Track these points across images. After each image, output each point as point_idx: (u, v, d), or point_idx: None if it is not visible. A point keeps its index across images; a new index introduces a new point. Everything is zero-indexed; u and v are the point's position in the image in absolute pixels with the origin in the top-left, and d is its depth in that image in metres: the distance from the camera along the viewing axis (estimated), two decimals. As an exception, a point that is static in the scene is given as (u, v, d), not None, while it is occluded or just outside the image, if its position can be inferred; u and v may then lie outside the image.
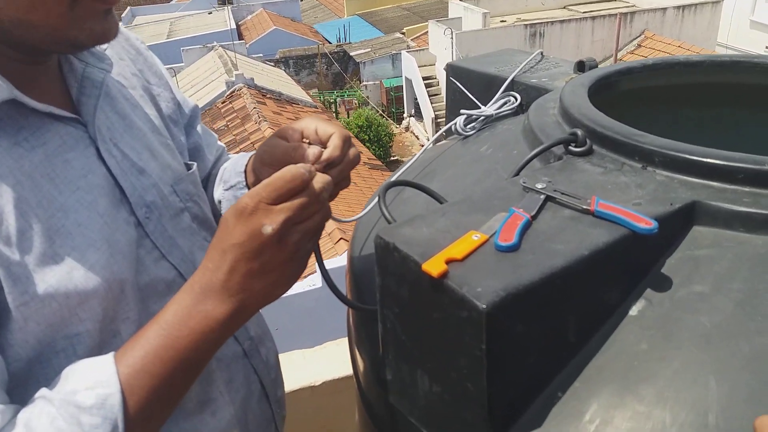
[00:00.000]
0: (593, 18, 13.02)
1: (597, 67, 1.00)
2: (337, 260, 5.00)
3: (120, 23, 0.82)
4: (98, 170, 0.68)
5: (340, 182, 0.72)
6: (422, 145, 1.28)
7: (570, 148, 0.74)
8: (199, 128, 0.94)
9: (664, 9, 13.10)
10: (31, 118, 0.63)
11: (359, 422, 0.85)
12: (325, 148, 0.70)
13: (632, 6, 14.34)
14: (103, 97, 0.71)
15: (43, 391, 0.58)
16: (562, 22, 12.94)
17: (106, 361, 0.59)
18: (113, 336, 0.66)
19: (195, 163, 0.83)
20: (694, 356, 0.53)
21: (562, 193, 0.63)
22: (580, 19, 13.10)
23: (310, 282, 5.65)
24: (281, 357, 1.70)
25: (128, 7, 22.80)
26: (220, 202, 0.89)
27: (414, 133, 15.61)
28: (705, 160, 0.63)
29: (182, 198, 0.77)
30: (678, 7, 13.16)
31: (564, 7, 15.22)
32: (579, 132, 0.74)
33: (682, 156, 0.65)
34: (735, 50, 13.83)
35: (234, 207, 0.60)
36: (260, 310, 0.84)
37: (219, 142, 0.99)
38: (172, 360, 0.59)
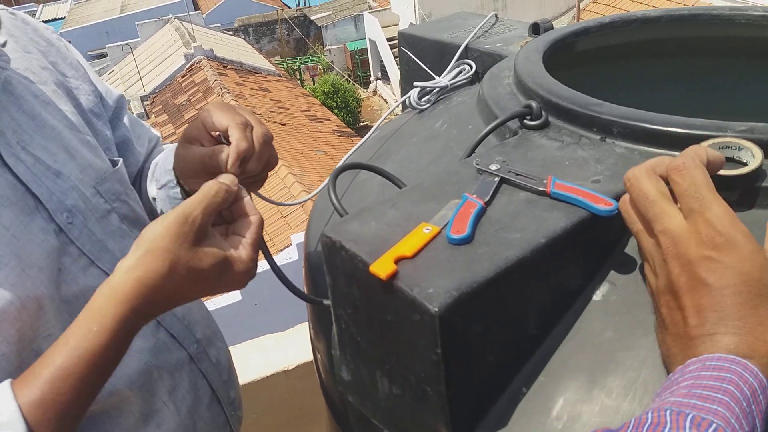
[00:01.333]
0: (555, -33, 12.84)
1: (552, 28, 0.96)
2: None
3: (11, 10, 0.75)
4: (1, 178, 0.61)
5: (267, 163, 0.69)
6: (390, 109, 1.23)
7: (525, 121, 0.70)
8: (126, 120, 0.86)
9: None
10: None
11: (327, 420, 0.82)
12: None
13: (593, -47, 14.17)
14: (4, 96, 0.65)
15: None
16: (524, -27, 12.75)
17: (5, 397, 0.53)
18: (35, 356, 0.60)
19: (121, 160, 0.77)
20: (661, 342, 0.50)
21: (517, 174, 0.59)
22: (543, -31, 12.92)
23: (286, 255, 5.61)
24: (253, 342, 1.68)
25: (77, -18, 21.82)
26: (155, 199, 0.83)
27: (382, 97, 15.42)
28: (666, 129, 0.60)
29: (107, 198, 0.72)
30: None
31: (525, -42, 14.98)
32: (534, 104, 0.70)
33: (642, 126, 0.61)
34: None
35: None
36: (211, 311, 0.80)
37: (153, 131, 0.92)
38: (81, 381, 0.54)
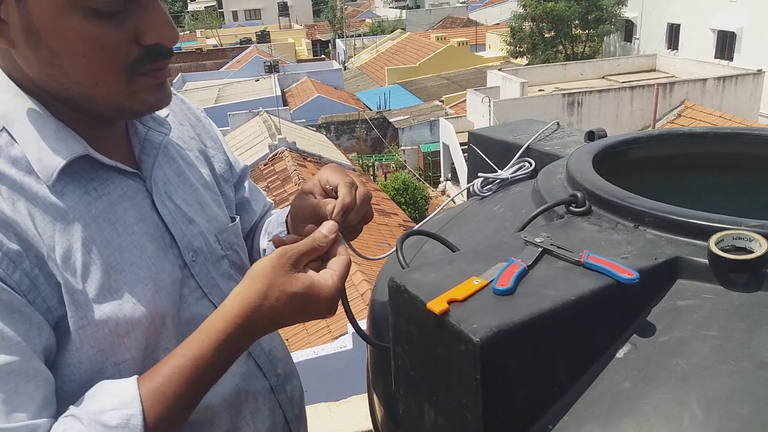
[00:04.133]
0: (632, 88, 13.16)
1: (606, 136, 1.09)
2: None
3: (175, 91, 0.96)
4: (149, 219, 0.79)
5: (364, 217, 0.84)
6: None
7: (571, 208, 0.81)
8: (246, 185, 1.06)
9: (705, 80, 13.18)
10: (100, 171, 0.75)
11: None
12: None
13: (672, 77, 14.47)
14: (162, 156, 0.83)
15: (72, 410, 0.66)
16: (600, 91, 13.12)
17: (130, 383, 0.67)
18: (154, 364, 0.75)
19: (238, 217, 0.94)
20: (671, 394, 0.58)
21: (558, 247, 0.71)
22: (619, 89, 13.26)
23: (341, 343, 5.69)
24: (308, 409, 1.77)
25: (179, 74, 24.11)
26: (264, 250, 0.99)
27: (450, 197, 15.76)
28: (688, 220, 0.70)
29: (224, 246, 0.88)
30: (718, 78, 13.22)
31: (603, 77, 15.45)
32: (579, 194, 0.82)
33: (668, 216, 0.72)
34: (778, 121, 13.71)
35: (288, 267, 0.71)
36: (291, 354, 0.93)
37: (267, 199, 1.11)
38: (189, 381, 0.67)
